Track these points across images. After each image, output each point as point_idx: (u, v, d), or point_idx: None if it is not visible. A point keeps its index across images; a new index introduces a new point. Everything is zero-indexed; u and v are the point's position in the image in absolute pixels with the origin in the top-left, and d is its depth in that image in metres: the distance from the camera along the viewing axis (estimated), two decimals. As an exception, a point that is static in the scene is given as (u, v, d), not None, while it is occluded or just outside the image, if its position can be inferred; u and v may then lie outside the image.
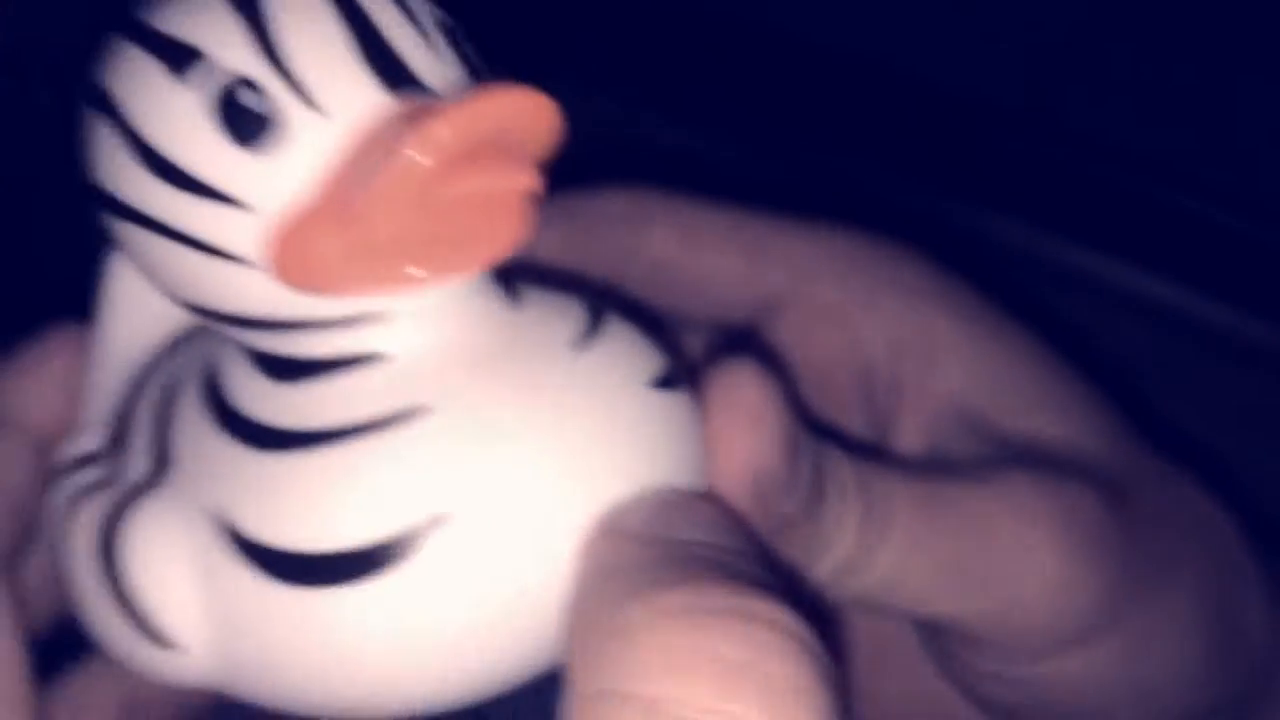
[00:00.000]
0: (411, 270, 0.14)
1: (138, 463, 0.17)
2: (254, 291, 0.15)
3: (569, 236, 0.23)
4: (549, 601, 0.15)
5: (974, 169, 0.36)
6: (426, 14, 0.15)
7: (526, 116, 0.14)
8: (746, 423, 0.17)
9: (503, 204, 0.14)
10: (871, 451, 0.23)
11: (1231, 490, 0.24)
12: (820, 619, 0.14)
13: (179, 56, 0.14)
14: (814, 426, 0.19)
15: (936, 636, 0.22)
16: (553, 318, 0.16)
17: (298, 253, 0.14)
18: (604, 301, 0.17)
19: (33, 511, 0.20)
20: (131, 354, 0.19)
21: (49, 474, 0.19)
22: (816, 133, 0.38)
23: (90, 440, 0.18)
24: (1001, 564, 0.20)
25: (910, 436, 0.23)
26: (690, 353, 0.23)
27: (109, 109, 0.15)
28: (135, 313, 0.19)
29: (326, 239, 0.14)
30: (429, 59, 0.15)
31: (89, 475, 0.18)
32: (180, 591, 0.15)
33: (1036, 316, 0.24)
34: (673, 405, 0.17)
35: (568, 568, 0.15)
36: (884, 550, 0.19)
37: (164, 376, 0.18)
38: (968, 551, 0.20)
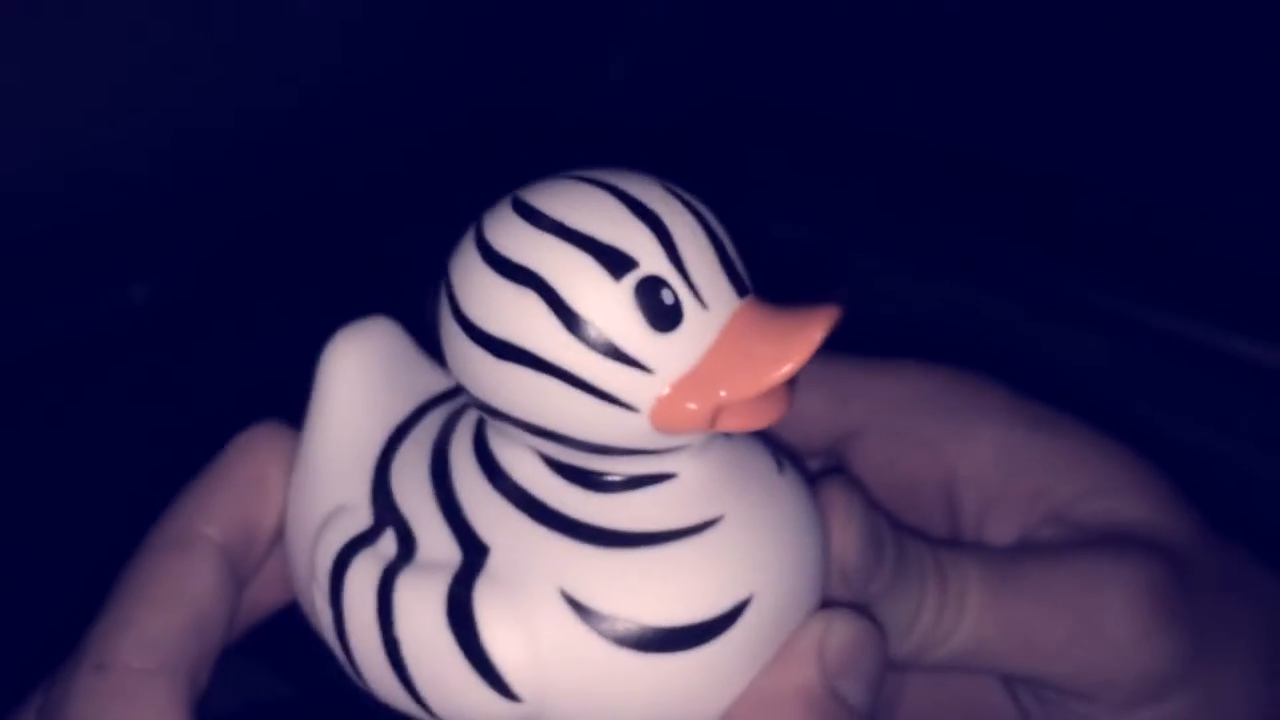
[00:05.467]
0: (735, 425, 0.19)
1: (439, 545, 0.20)
2: (622, 429, 0.19)
3: None
4: None
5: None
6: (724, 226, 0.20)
7: (835, 325, 0.18)
8: (835, 526, 0.22)
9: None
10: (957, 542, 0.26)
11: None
12: None
13: (618, 263, 0.19)
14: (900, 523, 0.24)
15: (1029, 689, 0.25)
16: (758, 451, 0.22)
17: (676, 407, 0.19)
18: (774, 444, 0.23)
19: (219, 621, 0.22)
20: (355, 441, 0.22)
21: (236, 578, 0.23)
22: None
23: (354, 521, 0.21)
24: (1073, 631, 0.23)
25: (1001, 534, 0.26)
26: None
27: (530, 280, 0.19)
28: (357, 407, 0.23)
29: (700, 400, 0.19)
30: (742, 264, 0.20)
31: (380, 554, 0.21)
32: (524, 654, 0.19)
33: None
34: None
35: None
36: (961, 625, 0.23)
37: (415, 467, 0.22)
38: (1040, 622, 0.23)
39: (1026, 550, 0.25)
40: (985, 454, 0.26)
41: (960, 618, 0.23)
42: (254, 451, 0.23)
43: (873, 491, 0.27)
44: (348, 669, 0.21)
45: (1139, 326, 0.38)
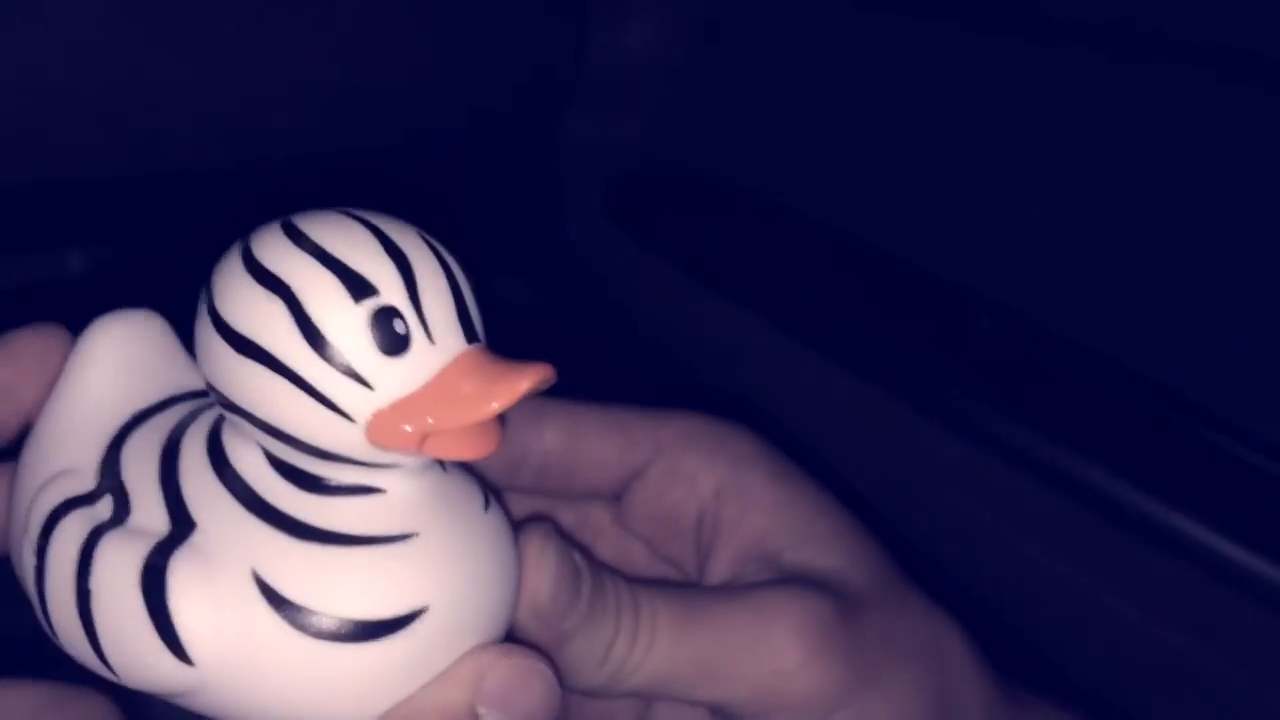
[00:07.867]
0: (440, 451, 0.21)
1: (150, 516, 0.22)
2: (339, 436, 0.21)
3: None
4: None
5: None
6: (470, 280, 0.23)
7: (543, 382, 0.21)
8: (529, 568, 0.25)
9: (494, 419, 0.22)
10: (676, 585, 0.30)
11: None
12: None
13: (360, 287, 0.21)
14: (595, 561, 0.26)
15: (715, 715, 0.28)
16: (467, 486, 0.24)
17: (389, 425, 0.21)
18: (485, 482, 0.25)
19: None
20: (97, 416, 0.24)
21: None
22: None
23: (76, 484, 0.23)
24: (747, 658, 0.26)
25: (720, 567, 0.29)
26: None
27: (281, 290, 0.21)
28: (102, 386, 0.25)
29: (412, 423, 0.21)
30: (477, 315, 0.22)
31: (94, 515, 0.23)
32: (206, 622, 0.21)
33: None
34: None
35: None
36: (651, 656, 0.26)
37: (147, 446, 0.24)
38: (719, 650, 0.26)
39: (717, 588, 0.28)
40: (727, 492, 0.29)
41: (650, 648, 0.26)
42: (11, 357, 0.25)
43: (646, 522, 0.30)
44: (42, 620, 0.23)
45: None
